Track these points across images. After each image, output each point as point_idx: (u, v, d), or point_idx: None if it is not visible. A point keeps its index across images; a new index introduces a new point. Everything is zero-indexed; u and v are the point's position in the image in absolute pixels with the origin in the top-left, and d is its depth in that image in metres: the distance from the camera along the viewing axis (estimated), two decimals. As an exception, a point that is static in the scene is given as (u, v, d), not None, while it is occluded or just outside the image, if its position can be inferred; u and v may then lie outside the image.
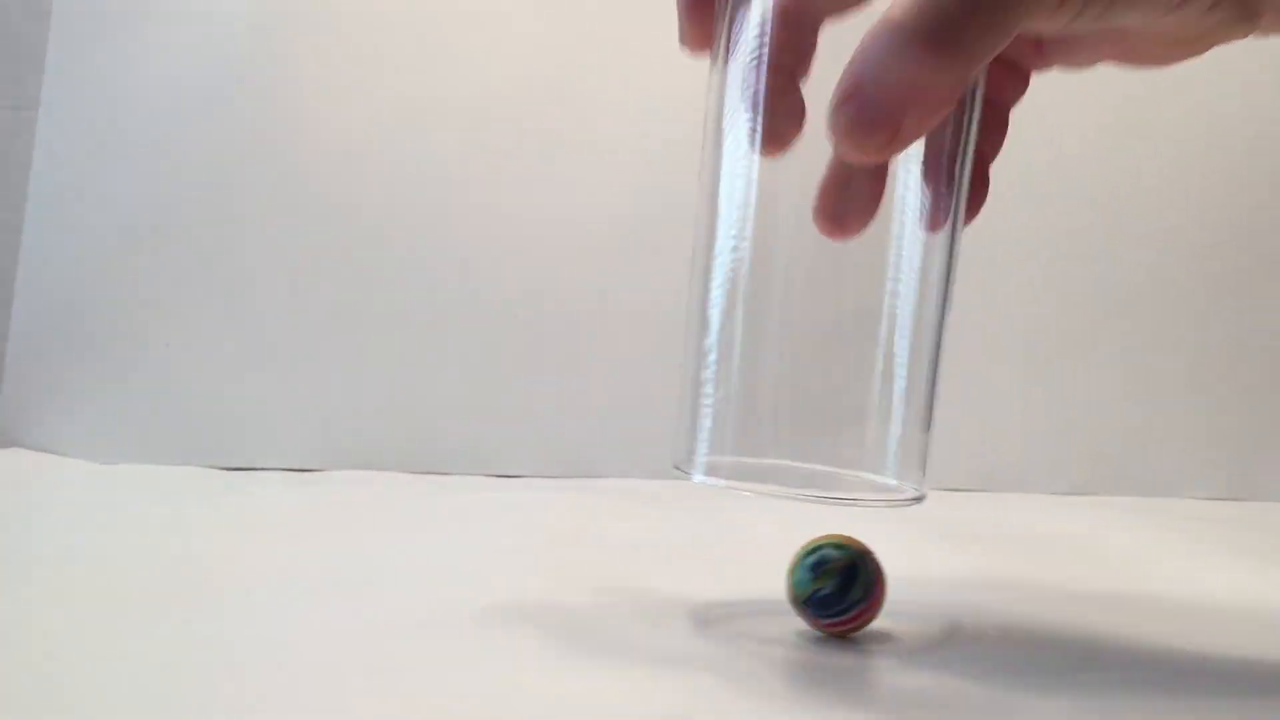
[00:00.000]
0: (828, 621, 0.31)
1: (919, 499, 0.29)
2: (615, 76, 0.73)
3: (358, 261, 0.72)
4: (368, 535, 0.49)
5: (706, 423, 0.30)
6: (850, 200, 0.29)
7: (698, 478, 0.29)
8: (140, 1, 0.74)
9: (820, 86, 0.27)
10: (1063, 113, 0.70)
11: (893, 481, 0.29)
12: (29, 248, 0.73)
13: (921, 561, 0.44)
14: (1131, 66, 0.31)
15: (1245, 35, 0.29)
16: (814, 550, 0.31)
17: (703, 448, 0.30)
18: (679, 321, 0.75)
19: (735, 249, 0.30)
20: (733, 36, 0.31)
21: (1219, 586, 0.43)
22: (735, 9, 0.31)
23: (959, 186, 0.29)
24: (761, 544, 0.47)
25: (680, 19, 0.31)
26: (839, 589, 0.31)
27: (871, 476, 0.29)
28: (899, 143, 0.25)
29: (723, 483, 0.29)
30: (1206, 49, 0.29)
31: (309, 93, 0.73)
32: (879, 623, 0.32)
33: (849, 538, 0.32)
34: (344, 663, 0.29)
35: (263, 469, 0.68)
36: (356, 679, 0.27)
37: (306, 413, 0.70)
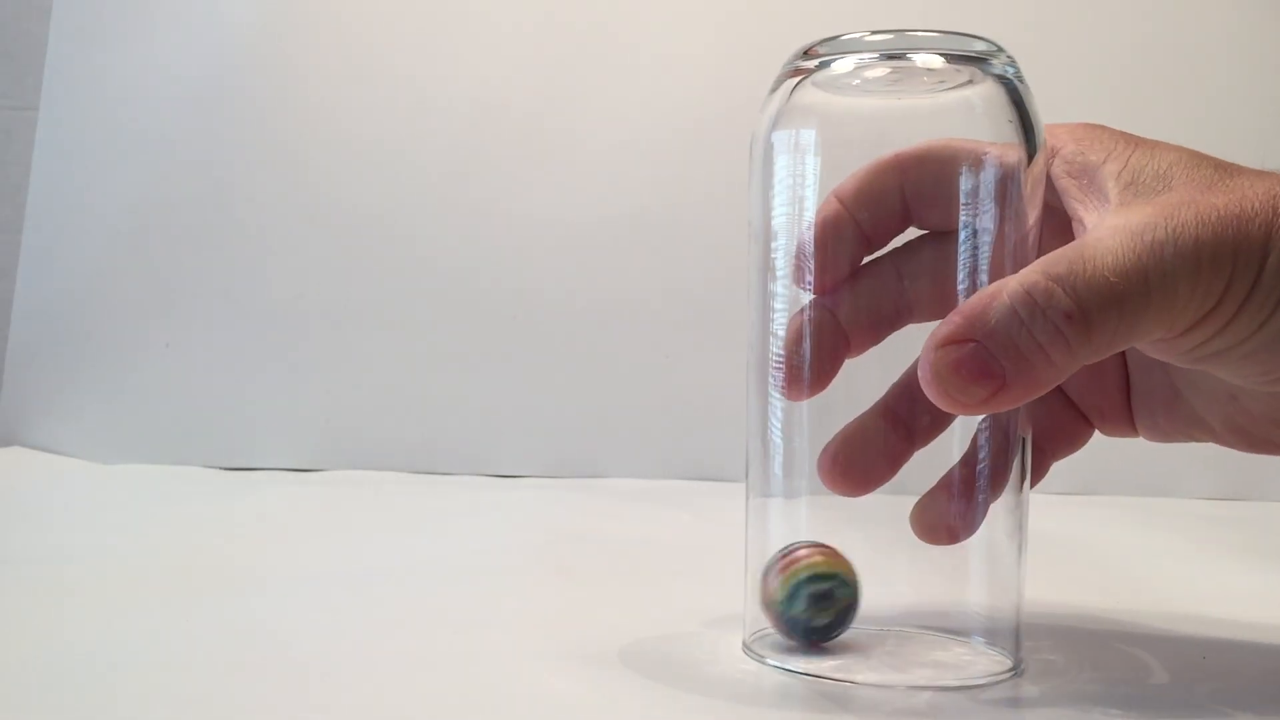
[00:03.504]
0: (808, 642, 0.30)
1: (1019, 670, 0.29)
2: (616, 76, 0.73)
3: (358, 261, 0.72)
4: (368, 535, 0.49)
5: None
6: (868, 458, 0.30)
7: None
8: (140, 1, 0.74)
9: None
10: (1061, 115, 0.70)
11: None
12: (29, 248, 0.73)
13: (921, 559, 0.44)
14: (1244, 449, 0.31)
15: None
16: (818, 578, 0.29)
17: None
18: (680, 321, 0.76)
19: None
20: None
21: (1219, 586, 0.43)
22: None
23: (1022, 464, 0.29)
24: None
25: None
26: (834, 623, 0.30)
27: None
28: (996, 403, 0.26)
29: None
30: None
31: (309, 93, 0.73)
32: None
33: (847, 565, 0.30)
34: (344, 661, 0.29)
35: (263, 469, 0.68)
36: (356, 677, 0.27)
37: (306, 413, 0.70)
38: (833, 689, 0.27)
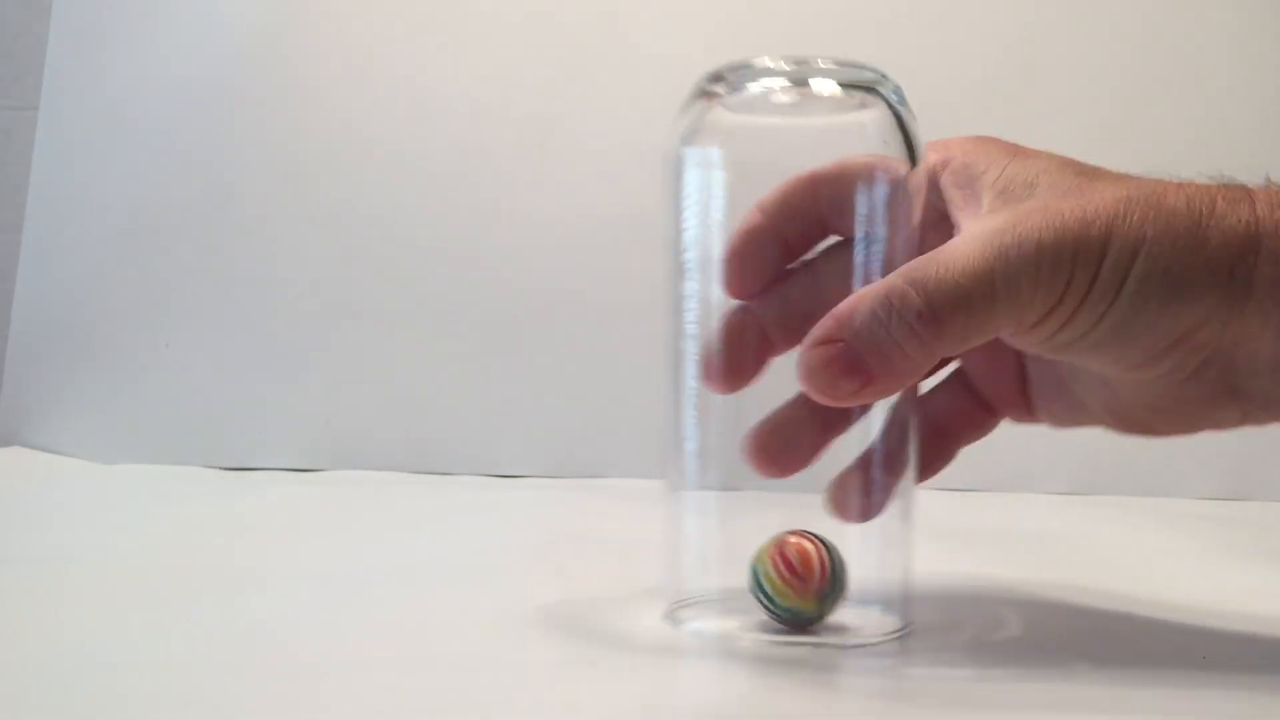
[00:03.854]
0: (780, 622, 0.31)
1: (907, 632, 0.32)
2: (616, 76, 0.73)
3: (358, 261, 0.72)
4: (368, 535, 0.49)
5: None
6: (791, 443, 0.33)
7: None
8: (140, 1, 0.74)
9: None
10: (1061, 119, 0.70)
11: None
12: (29, 248, 0.73)
13: (920, 561, 0.44)
14: (1122, 431, 0.33)
15: (1235, 423, 0.31)
16: (833, 593, 0.31)
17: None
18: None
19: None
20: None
21: (1219, 586, 0.43)
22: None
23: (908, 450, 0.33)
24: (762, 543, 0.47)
25: (727, 268, 0.33)
26: (815, 618, 0.31)
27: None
28: (864, 395, 0.29)
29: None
30: (1194, 428, 0.32)
31: (309, 93, 0.73)
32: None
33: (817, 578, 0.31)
34: (344, 661, 0.29)
35: (263, 469, 0.68)
36: (356, 677, 0.27)
37: (306, 413, 0.70)
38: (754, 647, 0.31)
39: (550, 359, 0.71)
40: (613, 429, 0.70)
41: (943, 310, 0.28)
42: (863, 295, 0.29)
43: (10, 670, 0.27)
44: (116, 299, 0.72)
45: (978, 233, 0.29)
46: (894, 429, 0.32)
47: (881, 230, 0.31)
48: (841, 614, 0.32)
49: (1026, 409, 0.35)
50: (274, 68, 0.73)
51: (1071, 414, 0.34)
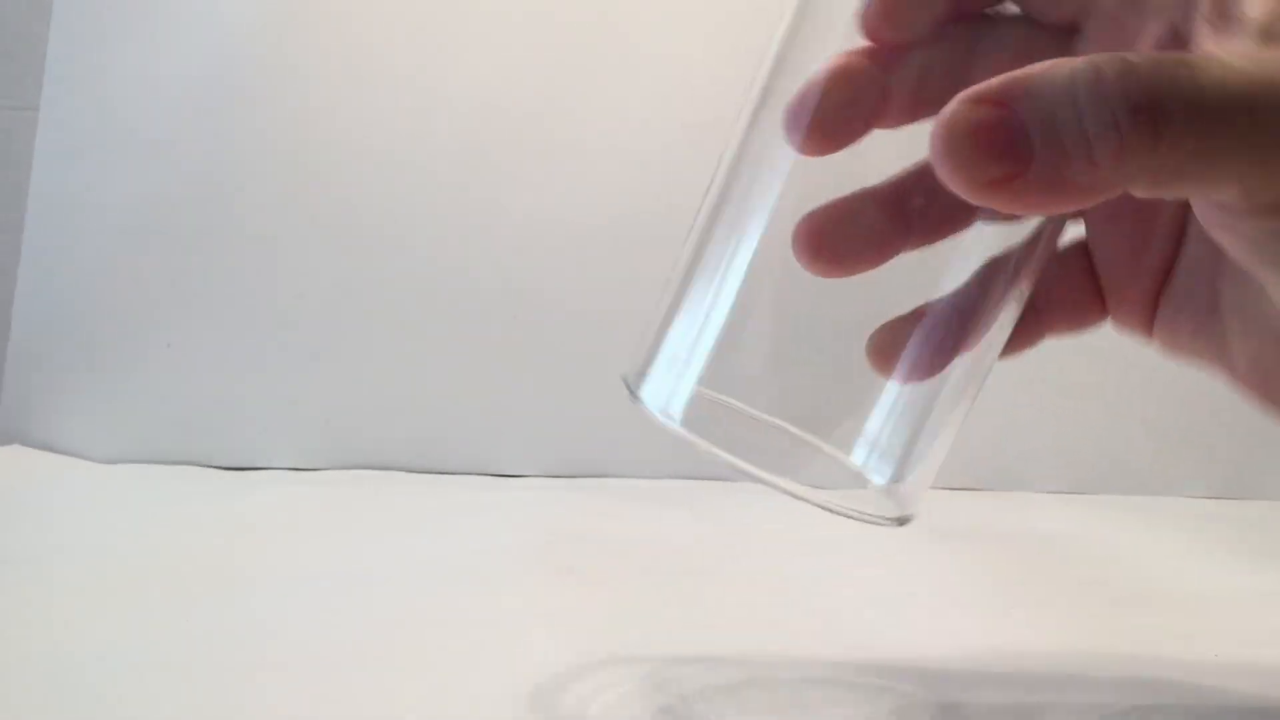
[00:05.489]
0: None
1: (903, 520, 0.25)
2: (616, 76, 0.73)
3: (358, 261, 0.72)
4: (368, 535, 0.49)
5: (676, 338, 0.25)
6: (856, 232, 0.25)
7: (652, 411, 0.25)
8: (140, 1, 0.74)
9: None
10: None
11: (871, 478, 0.25)
12: (29, 248, 0.73)
13: (921, 561, 0.44)
14: (1244, 389, 0.26)
15: None
16: None
17: (662, 370, 0.25)
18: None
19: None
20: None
21: (1219, 586, 0.43)
22: None
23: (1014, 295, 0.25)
24: (764, 543, 0.47)
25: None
26: None
27: (850, 463, 0.24)
28: (1003, 193, 0.21)
29: (676, 429, 0.24)
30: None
31: (309, 93, 0.73)
32: (878, 624, 0.32)
33: None
34: (344, 661, 0.29)
35: (263, 469, 0.68)
36: (356, 678, 0.27)
37: (306, 413, 0.70)
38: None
39: (550, 359, 0.71)
40: (613, 429, 0.70)
41: (1169, 118, 0.20)
42: (1060, 62, 0.20)
43: (10, 670, 0.27)
44: (117, 299, 0.72)
45: (1246, 52, 0.21)
46: (987, 278, 0.24)
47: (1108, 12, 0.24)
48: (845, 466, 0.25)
49: (1146, 319, 0.28)
50: (274, 68, 0.73)
51: (1201, 349, 0.27)
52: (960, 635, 0.33)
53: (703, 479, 0.67)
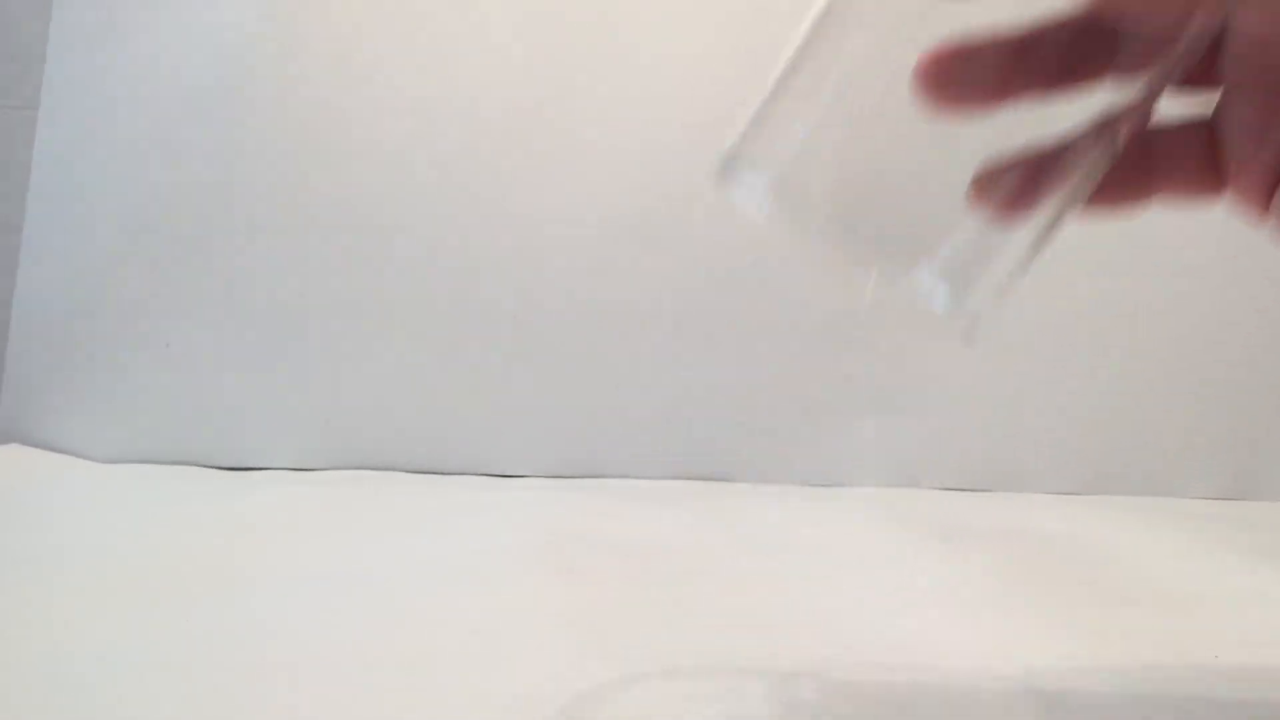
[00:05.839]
0: None
1: (970, 327, 0.25)
2: (616, 75, 0.73)
3: (358, 261, 0.72)
4: (368, 535, 0.49)
5: (781, 130, 0.25)
6: (979, 66, 0.25)
7: (743, 191, 0.25)
8: (140, 1, 0.74)
9: None
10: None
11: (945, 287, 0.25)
12: (29, 248, 0.73)
13: (921, 561, 0.44)
14: None
15: None
16: None
17: (761, 155, 0.25)
18: (681, 321, 0.75)
19: None
20: None
21: (1219, 587, 0.43)
22: None
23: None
24: (764, 543, 0.47)
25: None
26: None
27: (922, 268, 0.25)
28: None
29: (760, 203, 0.25)
30: None
31: (309, 93, 0.73)
32: (877, 624, 0.32)
33: None
34: (343, 662, 0.29)
35: (263, 469, 0.68)
36: (356, 678, 0.27)
37: (306, 413, 0.70)
38: None
39: (550, 358, 0.71)
40: (613, 429, 0.70)
41: None
42: None
43: (10, 670, 0.27)
44: (116, 298, 0.72)
45: None
46: (1088, 132, 0.25)
47: None
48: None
49: (1264, 195, 0.27)
50: (274, 68, 0.73)
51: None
52: (960, 635, 0.33)
53: (703, 479, 0.67)
